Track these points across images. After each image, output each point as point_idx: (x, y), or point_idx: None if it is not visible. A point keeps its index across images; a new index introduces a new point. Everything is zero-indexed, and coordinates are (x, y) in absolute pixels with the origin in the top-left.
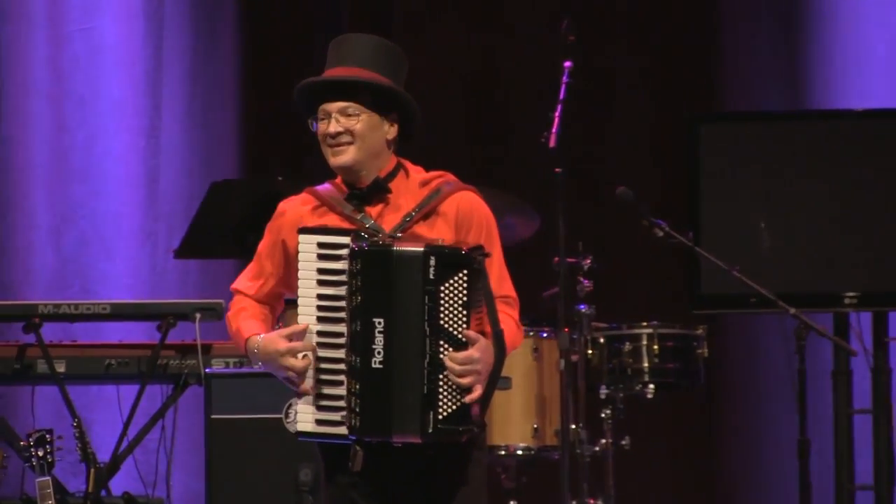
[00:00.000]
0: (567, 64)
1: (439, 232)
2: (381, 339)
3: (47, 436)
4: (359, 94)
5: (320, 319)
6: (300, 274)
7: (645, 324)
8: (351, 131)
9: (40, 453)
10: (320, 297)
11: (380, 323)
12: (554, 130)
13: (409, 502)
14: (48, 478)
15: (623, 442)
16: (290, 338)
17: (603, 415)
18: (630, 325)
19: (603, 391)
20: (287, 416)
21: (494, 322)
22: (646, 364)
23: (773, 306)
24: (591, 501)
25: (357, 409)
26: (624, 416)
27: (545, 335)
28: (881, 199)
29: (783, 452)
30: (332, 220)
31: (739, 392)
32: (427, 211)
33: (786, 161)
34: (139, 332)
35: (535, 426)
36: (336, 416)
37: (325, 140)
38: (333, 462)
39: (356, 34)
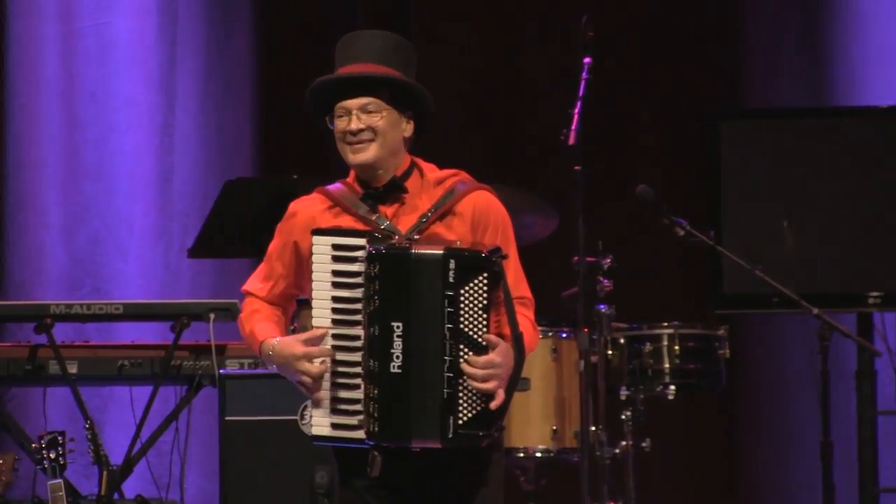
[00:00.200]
0: (587, 60)
1: (457, 232)
2: (400, 343)
3: (59, 438)
4: (379, 90)
5: (336, 322)
6: (314, 276)
7: (666, 324)
8: (373, 128)
9: (52, 455)
10: (335, 299)
11: (398, 327)
12: (573, 128)
13: None
14: (60, 480)
15: (643, 444)
16: (307, 343)
17: (623, 416)
18: (651, 326)
19: (623, 392)
20: (302, 417)
21: (514, 325)
22: (667, 365)
23: (795, 306)
24: None
25: (375, 414)
26: (644, 417)
27: (564, 336)
28: None
29: (806, 455)
30: (346, 222)
31: (762, 393)
32: (443, 211)
33: (808, 159)
34: (152, 333)
35: (555, 428)
36: (353, 421)
37: (345, 137)
38: (348, 465)
39: (367, 31)
